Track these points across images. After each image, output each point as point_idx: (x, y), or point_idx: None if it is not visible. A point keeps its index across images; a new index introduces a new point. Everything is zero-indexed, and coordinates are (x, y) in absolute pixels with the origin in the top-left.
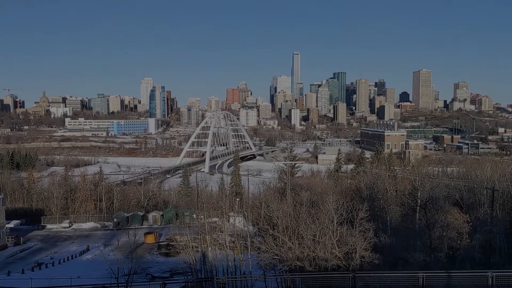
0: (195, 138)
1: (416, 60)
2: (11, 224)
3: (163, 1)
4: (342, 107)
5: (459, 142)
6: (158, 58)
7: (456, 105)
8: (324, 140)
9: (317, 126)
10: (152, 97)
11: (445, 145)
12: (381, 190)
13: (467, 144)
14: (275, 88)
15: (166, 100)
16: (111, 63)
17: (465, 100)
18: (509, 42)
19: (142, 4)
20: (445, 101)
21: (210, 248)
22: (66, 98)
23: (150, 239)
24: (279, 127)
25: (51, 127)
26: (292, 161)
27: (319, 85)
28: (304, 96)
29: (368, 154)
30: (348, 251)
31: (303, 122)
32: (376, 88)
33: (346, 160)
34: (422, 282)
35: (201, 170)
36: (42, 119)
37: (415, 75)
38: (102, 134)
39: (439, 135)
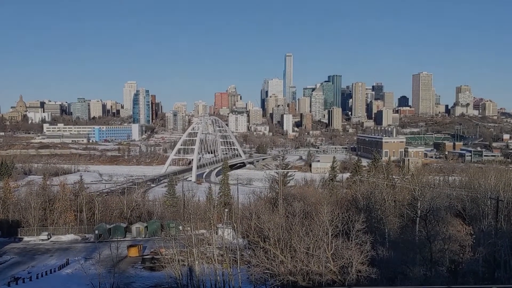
0: (181, 145)
1: (416, 62)
2: None
3: (147, 0)
4: (337, 112)
5: (461, 149)
6: (142, 60)
7: (458, 110)
8: (318, 147)
9: (310, 132)
10: (135, 101)
11: (446, 153)
12: (378, 200)
13: (470, 151)
14: (266, 92)
15: (150, 105)
16: (92, 66)
17: (468, 104)
18: None
19: (125, 3)
20: (446, 106)
21: (197, 262)
22: (45, 103)
23: (134, 252)
24: (271, 134)
25: (29, 133)
26: (284, 169)
27: (313, 89)
28: (297, 101)
29: (365, 162)
30: (344, 265)
31: (296, 128)
32: (373, 92)
33: (342, 169)
34: None
35: (187, 179)
36: (19, 125)
37: (414, 78)
38: (82, 140)
39: (440, 142)
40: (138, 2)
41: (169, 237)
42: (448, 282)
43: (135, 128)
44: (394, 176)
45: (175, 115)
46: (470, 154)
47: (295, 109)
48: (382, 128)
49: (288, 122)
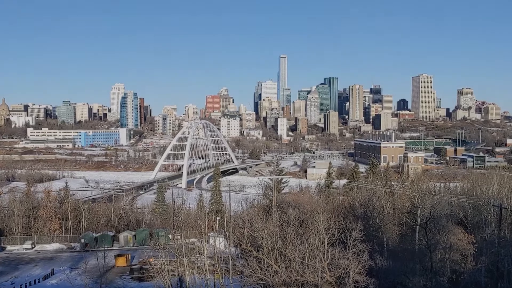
0: (171, 150)
1: (415, 64)
2: None
3: (135, 0)
4: (333, 116)
5: (463, 155)
6: (130, 61)
7: (460, 114)
8: (313, 153)
9: (306, 137)
10: (123, 104)
11: (447, 158)
12: (377, 207)
13: (472, 157)
14: (260, 95)
15: (139, 108)
16: (78, 67)
17: (469, 108)
18: None
19: (112, 3)
20: (447, 109)
21: (187, 272)
22: (28, 106)
23: (121, 262)
24: (264, 138)
25: (12, 138)
26: (279, 175)
27: (308, 92)
28: (291, 104)
29: (362, 168)
30: (341, 275)
31: (290, 133)
32: (371, 95)
33: (338, 175)
34: None
35: (177, 185)
36: (2, 129)
37: (414, 81)
38: (68, 145)
39: (441, 147)
40: (126, 1)
41: (159, 246)
42: None
43: (122, 132)
44: (393, 183)
45: (164, 119)
46: (472, 159)
47: (290, 112)
48: (381, 132)
49: (283, 126)
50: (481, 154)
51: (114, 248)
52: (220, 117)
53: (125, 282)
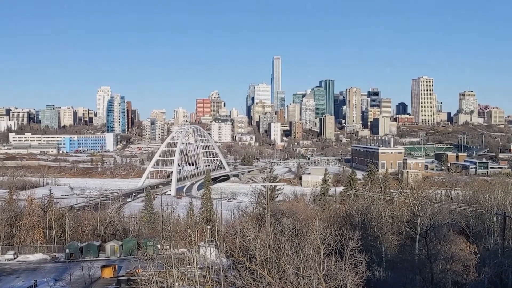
0: (159, 156)
1: (415, 66)
2: None
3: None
4: (329, 120)
5: (465, 161)
6: (116, 63)
7: (462, 118)
8: (309, 159)
9: (301, 142)
10: (109, 108)
11: (449, 164)
12: (375, 216)
13: (475, 163)
14: (253, 98)
15: (126, 112)
16: (63, 70)
17: (472, 112)
18: None
19: (98, 3)
20: (449, 114)
21: (177, 284)
22: (11, 110)
23: (108, 273)
24: (257, 144)
25: None
26: (272, 182)
27: (303, 95)
28: (286, 108)
29: (360, 174)
30: (337, 287)
31: (284, 138)
32: (369, 99)
33: (335, 182)
34: None
35: (166, 193)
36: None
37: (414, 83)
38: (52, 151)
39: (442, 152)
40: (112, 2)
41: (147, 257)
42: None
43: (109, 137)
44: (391, 190)
45: (153, 123)
46: (474, 166)
47: (284, 117)
48: (379, 137)
49: (276, 131)
50: (484, 160)
51: (100, 258)
52: (211, 122)
53: None
